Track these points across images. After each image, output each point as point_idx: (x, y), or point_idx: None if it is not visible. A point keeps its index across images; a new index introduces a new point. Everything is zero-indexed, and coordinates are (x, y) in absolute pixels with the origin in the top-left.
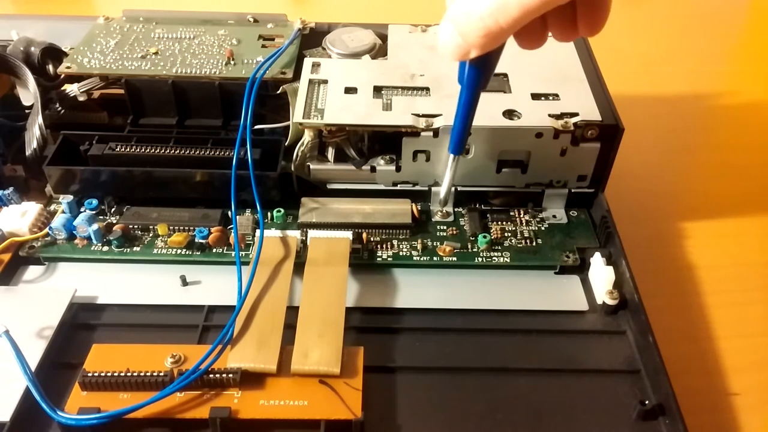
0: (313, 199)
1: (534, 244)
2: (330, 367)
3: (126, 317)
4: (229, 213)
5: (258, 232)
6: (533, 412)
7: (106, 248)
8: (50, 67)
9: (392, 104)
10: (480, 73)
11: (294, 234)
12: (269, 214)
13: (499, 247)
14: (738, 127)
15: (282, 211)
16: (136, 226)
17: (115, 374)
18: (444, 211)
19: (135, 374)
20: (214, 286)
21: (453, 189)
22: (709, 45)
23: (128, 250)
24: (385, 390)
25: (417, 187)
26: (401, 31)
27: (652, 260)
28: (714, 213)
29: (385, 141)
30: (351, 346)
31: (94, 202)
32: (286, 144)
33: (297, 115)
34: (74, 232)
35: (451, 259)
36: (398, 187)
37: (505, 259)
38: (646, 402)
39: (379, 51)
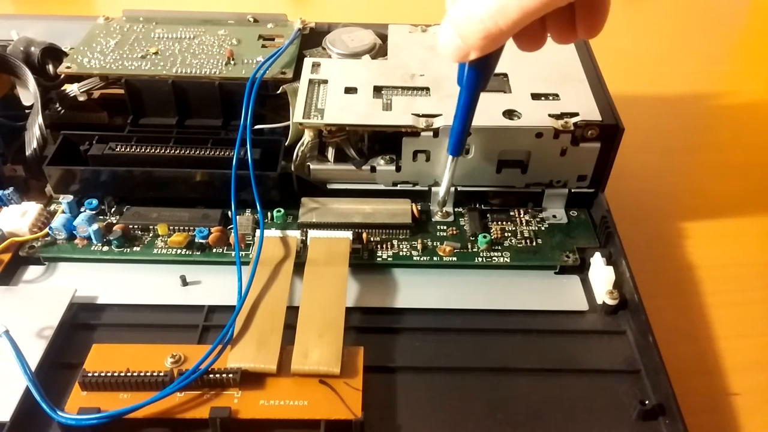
0: (313, 199)
1: (534, 244)
2: (330, 367)
3: (126, 317)
4: (229, 213)
5: (258, 232)
6: (533, 412)
7: (106, 248)
8: (50, 67)
9: (392, 104)
10: (479, 75)
11: (294, 234)
12: (269, 214)
13: (499, 247)
14: (738, 127)
15: (282, 211)
16: (136, 226)
17: (115, 374)
18: (444, 211)
19: (135, 374)
20: (214, 286)
21: (453, 189)
22: (709, 45)
23: (128, 250)
24: (385, 390)
25: (417, 187)
26: (401, 31)
27: (652, 260)
28: (714, 213)
29: (385, 141)
30: (351, 346)
31: (94, 202)
32: (286, 144)
33: (297, 115)
34: (74, 232)
35: (451, 259)
36: (398, 187)
37: (505, 259)
38: (646, 402)
39: (379, 51)
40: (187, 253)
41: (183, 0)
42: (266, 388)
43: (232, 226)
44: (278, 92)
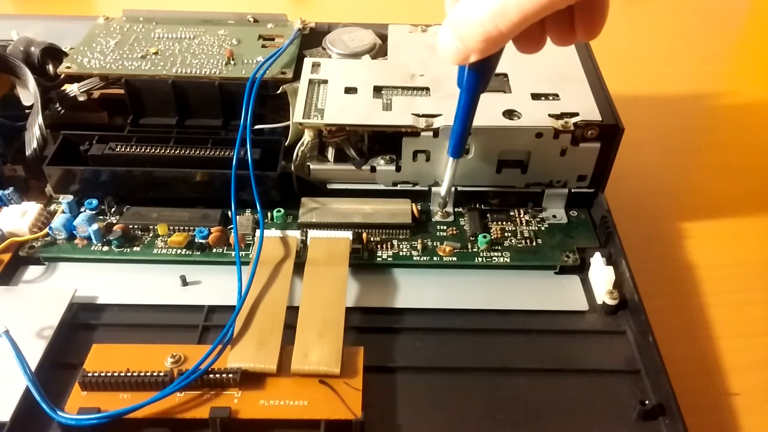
0: (313, 199)
1: (534, 244)
2: (330, 367)
3: (126, 317)
4: (229, 213)
5: (258, 232)
6: (533, 412)
7: (106, 248)
8: (50, 67)
9: (392, 104)
10: (479, 77)
11: (294, 234)
12: (269, 214)
13: (499, 247)
14: (738, 127)
15: (282, 211)
16: (136, 226)
17: (115, 374)
18: (444, 211)
19: (135, 374)
20: (214, 286)
21: (453, 189)
22: (709, 45)
23: (128, 250)
24: (385, 390)
25: (417, 187)
26: (401, 31)
27: (652, 260)
28: (714, 213)
29: (385, 141)
30: (351, 346)
31: (94, 202)
32: (286, 144)
33: (297, 115)
34: (74, 232)
35: (451, 259)
36: (398, 187)
37: (505, 259)
38: (646, 402)
39: (379, 51)
40: (187, 253)
41: (183, 0)
42: (266, 388)
43: (232, 226)
44: (278, 92)
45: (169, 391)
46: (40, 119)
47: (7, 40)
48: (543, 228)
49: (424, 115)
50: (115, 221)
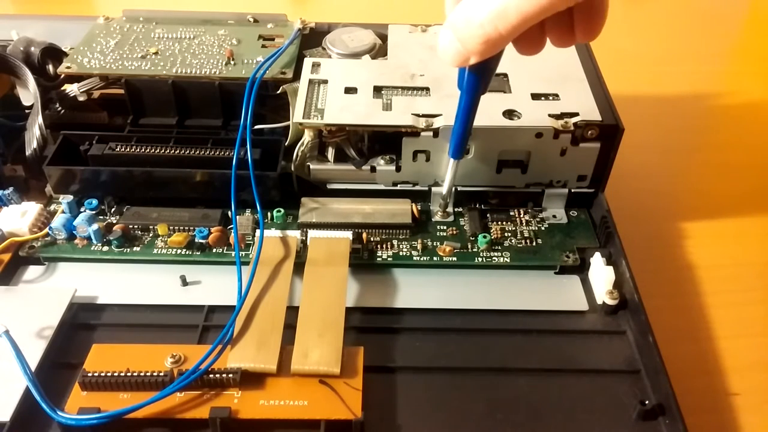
0: (313, 199)
1: (534, 244)
2: (330, 367)
3: (126, 317)
4: (229, 213)
5: (258, 232)
6: (533, 412)
7: (106, 248)
8: (50, 67)
9: (392, 104)
10: (479, 79)
11: (294, 234)
12: (269, 214)
13: (499, 247)
14: (738, 127)
15: (282, 211)
16: (136, 226)
17: (115, 374)
18: (444, 211)
19: (135, 374)
20: (214, 286)
21: (453, 189)
22: (709, 45)
23: (128, 250)
24: (385, 390)
25: (417, 187)
26: (401, 31)
27: (652, 260)
28: (714, 213)
29: (385, 141)
30: (351, 346)
31: (94, 202)
32: (286, 144)
33: (297, 115)
34: (74, 232)
35: (451, 259)
36: (398, 187)
37: (505, 259)
38: (646, 402)
39: (379, 51)
40: (187, 253)
41: (183, 0)
42: (266, 388)
43: (232, 226)
44: (278, 92)
45: (169, 391)
46: (40, 119)
47: (7, 40)
48: (543, 228)
49: (424, 115)
50: (115, 221)
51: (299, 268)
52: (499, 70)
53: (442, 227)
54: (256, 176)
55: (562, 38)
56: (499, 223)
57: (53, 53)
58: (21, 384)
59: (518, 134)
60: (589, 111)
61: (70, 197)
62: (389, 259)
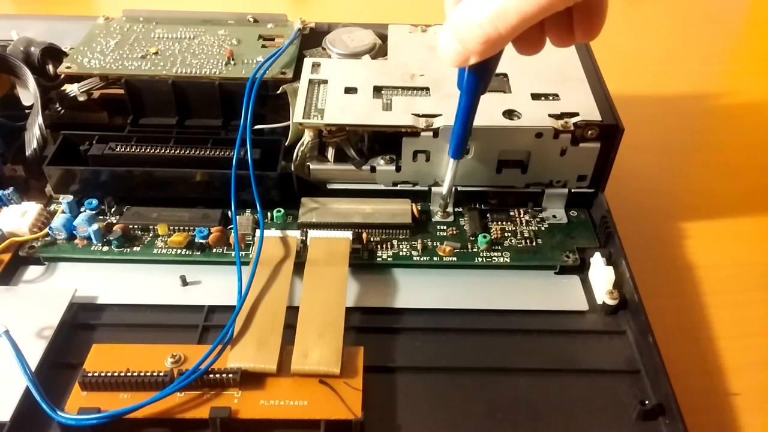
0: (313, 199)
1: (534, 244)
2: (330, 367)
3: (126, 317)
4: (229, 213)
5: (258, 232)
6: (533, 412)
7: (106, 248)
8: (50, 67)
9: (392, 104)
10: (479, 79)
11: (294, 234)
12: (269, 214)
13: (499, 247)
14: (738, 127)
15: (282, 211)
16: (136, 226)
17: (115, 374)
18: (444, 211)
19: (135, 374)
20: (214, 286)
21: (453, 189)
22: (709, 45)
23: (128, 250)
24: (385, 390)
25: (417, 187)
26: (401, 31)
27: (652, 260)
28: (714, 213)
29: (385, 141)
30: (351, 346)
31: (94, 202)
32: (286, 144)
33: (297, 115)
34: (74, 232)
35: (451, 259)
36: (398, 187)
37: (505, 259)
38: (646, 402)
39: (379, 51)
40: (187, 253)
41: (183, 0)
42: (266, 388)
43: (232, 226)
44: (278, 92)
45: (169, 391)
46: (40, 119)
47: (7, 40)
48: (543, 228)
49: (424, 115)
50: (115, 221)
51: (299, 268)
52: (499, 70)
53: (442, 227)
54: (256, 176)
55: (562, 38)
56: (499, 223)
57: (53, 53)
58: (21, 384)
59: (518, 134)
60: (589, 111)
61: (70, 197)
62: (389, 259)
